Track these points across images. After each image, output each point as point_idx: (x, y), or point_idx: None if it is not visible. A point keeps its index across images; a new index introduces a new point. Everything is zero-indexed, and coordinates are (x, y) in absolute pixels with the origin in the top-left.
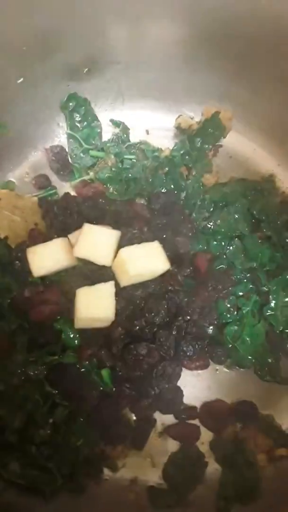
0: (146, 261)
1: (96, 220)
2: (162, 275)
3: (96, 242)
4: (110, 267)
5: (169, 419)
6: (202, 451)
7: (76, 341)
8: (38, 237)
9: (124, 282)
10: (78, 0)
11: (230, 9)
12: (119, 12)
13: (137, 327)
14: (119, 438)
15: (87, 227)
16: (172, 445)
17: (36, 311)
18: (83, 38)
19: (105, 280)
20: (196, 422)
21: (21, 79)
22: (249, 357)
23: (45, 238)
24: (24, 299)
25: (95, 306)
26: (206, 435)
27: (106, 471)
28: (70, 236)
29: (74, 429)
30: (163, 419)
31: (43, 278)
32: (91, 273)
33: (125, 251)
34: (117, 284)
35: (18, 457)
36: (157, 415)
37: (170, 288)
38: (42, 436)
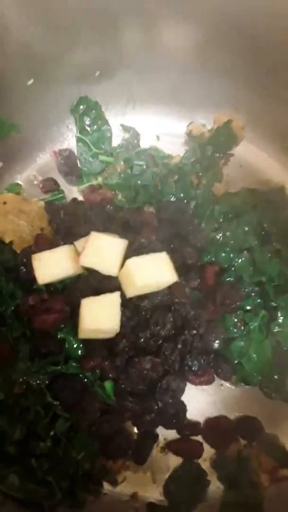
0: (154, 272)
1: (103, 227)
2: (169, 287)
3: (102, 251)
4: (116, 277)
5: (172, 434)
6: (204, 468)
7: (79, 352)
8: (44, 242)
9: (130, 293)
10: (91, 2)
11: (247, 15)
12: (132, 15)
13: (142, 339)
14: (120, 452)
15: (94, 236)
16: (174, 461)
17: (40, 319)
18: (95, 40)
19: (111, 290)
20: (199, 438)
21: (31, 81)
22: (255, 374)
23: (51, 243)
24: (28, 307)
25: (100, 317)
26: (209, 452)
27: (106, 486)
28: (76, 243)
29: (75, 442)
30: (166, 434)
31: (47, 286)
32: (97, 282)
33: (132, 261)
34: (122, 295)
35: (17, 470)
36: (160, 430)
37: (176, 300)
38: (43, 449)
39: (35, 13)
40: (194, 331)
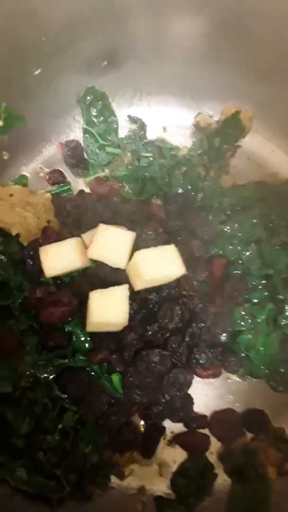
0: (162, 265)
1: (111, 219)
2: (177, 280)
3: (110, 243)
4: (124, 270)
5: (179, 427)
6: (211, 461)
7: (87, 345)
8: (51, 235)
9: (138, 286)
10: None
11: (256, 5)
12: (141, 4)
13: (150, 332)
14: (127, 445)
15: (102, 228)
16: (181, 454)
17: (47, 312)
18: (103, 30)
19: (119, 283)
20: (206, 431)
21: (39, 71)
22: (262, 367)
23: (58, 236)
24: (36, 300)
25: (108, 310)
26: (215, 445)
27: (113, 479)
28: (83, 235)
29: (82, 435)
30: (172, 427)
31: (54, 279)
32: (105, 275)
33: (140, 254)
34: (130, 287)
35: (25, 464)
36: (166, 423)
37: (184, 293)
38: (50, 442)
39: (43, 2)
40: (202, 324)
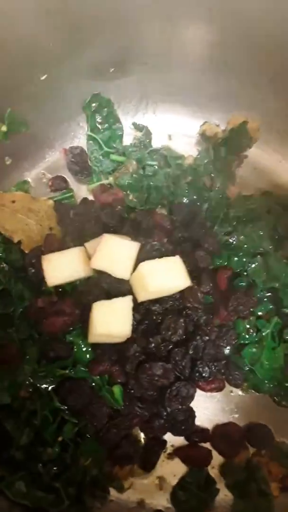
0: (167, 276)
1: (114, 228)
2: (181, 291)
3: (115, 254)
4: (128, 281)
5: (180, 440)
6: (212, 476)
7: (88, 356)
8: (54, 243)
9: (142, 297)
10: None
11: (264, 16)
12: (152, 11)
13: (153, 344)
14: (128, 458)
15: (106, 238)
16: (182, 468)
17: (49, 322)
18: (111, 36)
19: (122, 294)
20: (207, 445)
21: (45, 76)
22: (266, 382)
23: (61, 244)
24: (37, 309)
25: (111, 321)
26: (217, 459)
27: (112, 492)
28: (87, 244)
29: (82, 448)
30: (173, 440)
31: (56, 287)
32: (108, 285)
33: (145, 265)
34: (133, 299)
35: (24, 476)
36: (167, 436)
37: (188, 305)
38: (50, 455)
39: (51, 7)
40: (206, 337)
